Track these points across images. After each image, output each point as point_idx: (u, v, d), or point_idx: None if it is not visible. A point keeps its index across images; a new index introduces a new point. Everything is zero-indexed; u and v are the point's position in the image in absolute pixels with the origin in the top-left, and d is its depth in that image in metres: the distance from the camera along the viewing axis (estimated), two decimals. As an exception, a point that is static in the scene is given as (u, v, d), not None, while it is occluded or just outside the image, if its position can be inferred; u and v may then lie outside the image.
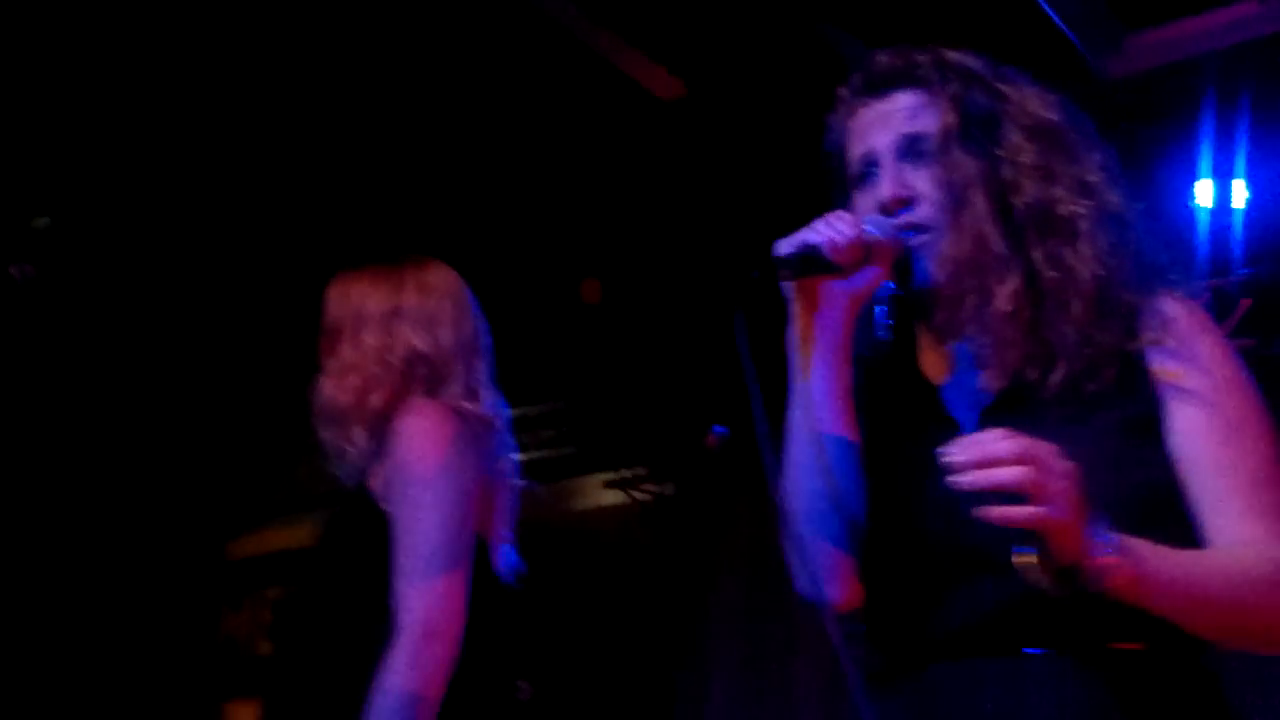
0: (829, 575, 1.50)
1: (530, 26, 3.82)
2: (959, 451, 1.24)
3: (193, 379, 5.70)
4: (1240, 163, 4.11)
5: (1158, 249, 1.55)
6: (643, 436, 6.04)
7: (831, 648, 1.38)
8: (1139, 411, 1.45)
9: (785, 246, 1.46)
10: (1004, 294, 1.48)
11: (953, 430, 1.50)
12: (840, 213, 1.51)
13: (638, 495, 6.23)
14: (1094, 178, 1.54)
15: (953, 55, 1.59)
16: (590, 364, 5.92)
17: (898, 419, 1.57)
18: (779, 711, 5.62)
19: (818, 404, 1.50)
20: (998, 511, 1.23)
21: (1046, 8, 3.22)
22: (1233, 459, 1.43)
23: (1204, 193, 4.63)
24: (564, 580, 6.36)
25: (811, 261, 1.46)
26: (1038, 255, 1.49)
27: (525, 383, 6.00)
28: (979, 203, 1.50)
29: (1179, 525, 1.43)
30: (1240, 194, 4.36)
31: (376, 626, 2.06)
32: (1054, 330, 1.48)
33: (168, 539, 6.50)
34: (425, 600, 2.02)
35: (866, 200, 1.57)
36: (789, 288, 1.50)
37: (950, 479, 1.24)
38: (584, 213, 4.92)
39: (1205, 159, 4.09)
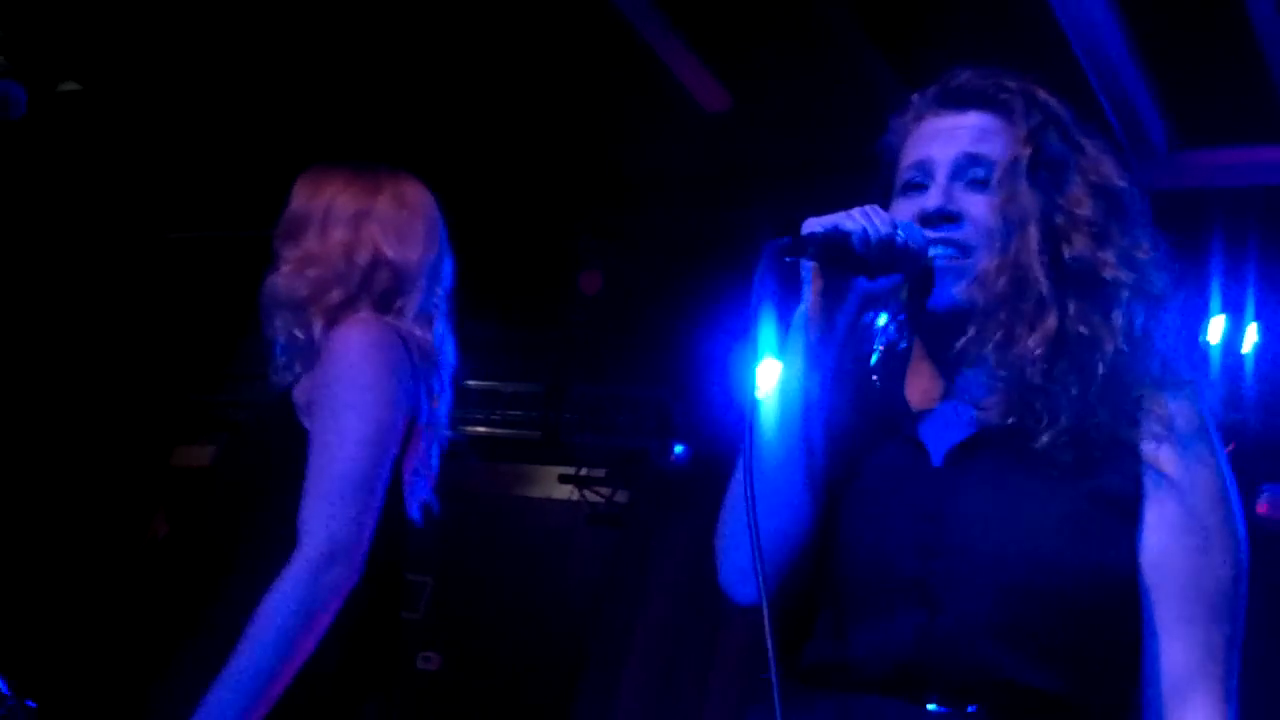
0: (756, 572, 1.44)
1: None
2: None
3: (148, 287, 5.64)
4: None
5: (1179, 349, 1.51)
6: (609, 439, 5.99)
7: (742, 667, 1.32)
8: (1118, 487, 1.40)
9: (816, 225, 1.40)
10: (1037, 336, 1.43)
11: (919, 455, 1.45)
12: (877, 207, 1.45)
13: (590, 496, 6.19)
14: (1143, 255, 1.49)
15: (1041, 92, 1.55)
16: (578, 358, 5.88)
17: (869, 432, 1.51)
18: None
19: (799, 397, 1.44)
20: None
21: (1103, 99, 3.18)
22: (1197, 573, 1.39)
23: (1216, 330, 4.61)
24: (496, 560, 6.32)
25: (838, 248, 1.39)
26: (1073, 309, 1.45)
27: (509, 360, 5.99)
28: (1033, 240, 1.45)
29: (1115, 618, 1.37)
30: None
31: (273, 542, 1.94)
32: (1063, 388, 1.42)
33: (111, 441, 6.41)
34: (333, 520, 1.90)
35: (907, 207, 1.52)
36: (808, 267, 1.44)
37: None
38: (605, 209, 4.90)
39: (1216, 295, 4.05)
